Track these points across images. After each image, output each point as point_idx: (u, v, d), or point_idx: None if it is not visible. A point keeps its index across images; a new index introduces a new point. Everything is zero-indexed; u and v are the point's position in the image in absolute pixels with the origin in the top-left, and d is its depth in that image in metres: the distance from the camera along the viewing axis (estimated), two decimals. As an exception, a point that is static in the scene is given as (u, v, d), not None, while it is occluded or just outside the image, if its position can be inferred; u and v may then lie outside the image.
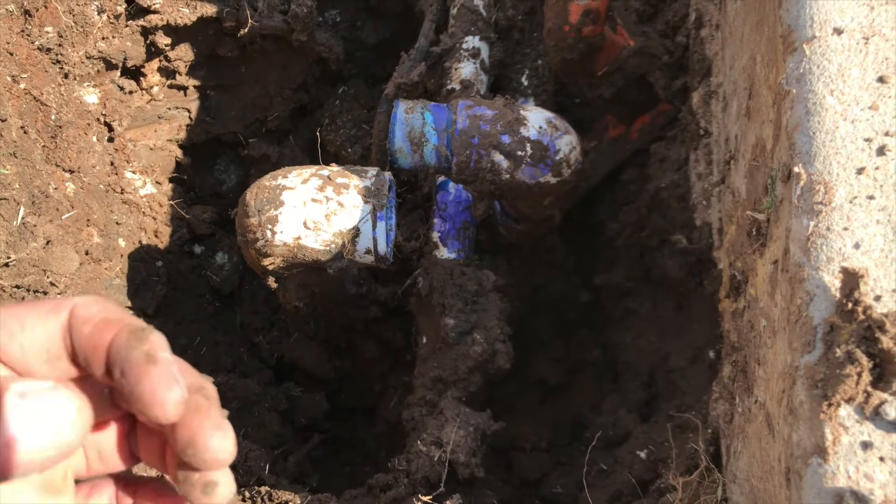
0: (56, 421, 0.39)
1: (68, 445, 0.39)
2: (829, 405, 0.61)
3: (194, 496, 0.42)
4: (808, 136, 0.69)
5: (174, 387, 0.40)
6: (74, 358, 0.42)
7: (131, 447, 0.46)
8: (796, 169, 0.69)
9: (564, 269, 1.80)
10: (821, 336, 0.63)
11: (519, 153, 1.26)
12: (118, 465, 0.47)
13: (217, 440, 0.40)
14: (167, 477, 0.45)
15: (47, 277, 1.21)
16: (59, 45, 1.34)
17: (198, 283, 1.70)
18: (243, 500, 1.18)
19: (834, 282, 0.64)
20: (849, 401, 0.61)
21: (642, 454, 1.35)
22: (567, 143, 1.29)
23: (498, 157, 1.25)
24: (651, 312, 1.64)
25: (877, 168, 0.66)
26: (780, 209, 0.78)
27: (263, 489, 1.19)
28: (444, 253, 1.49)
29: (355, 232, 1.23)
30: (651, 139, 1.61)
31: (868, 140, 0.66)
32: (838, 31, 0.69)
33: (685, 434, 1.25)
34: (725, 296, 1.18)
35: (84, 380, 0.43)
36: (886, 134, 0.66)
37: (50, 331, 0.41)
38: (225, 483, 0.42)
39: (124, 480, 0.47)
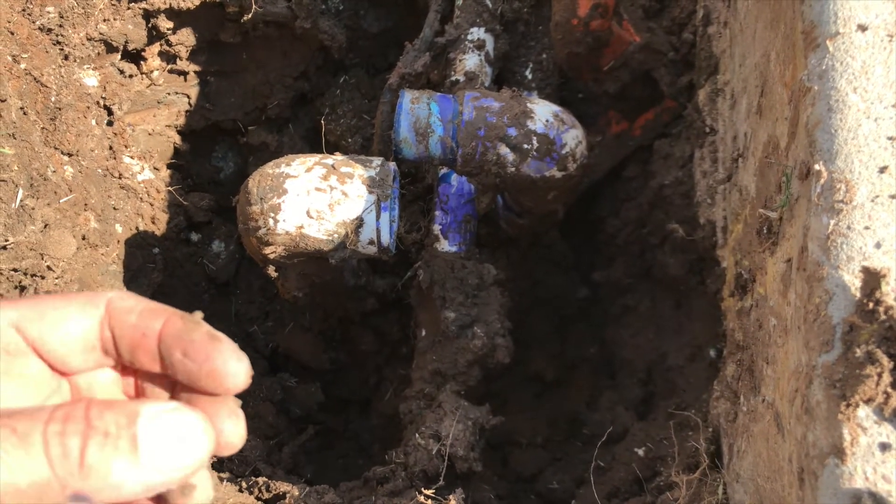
0: (189, 439, 0.40)
1: (202, 462, 0.41)
2: (848, 405, 0.61)
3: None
4: (829, 134, 0.68)
5: (242, 358, 0.43)
6: (107, 348, 0.44)
7: None
8: (817, 167, 0.68)
9: (563, 265, 1.80)
10: (840, 336, 0.63)
11: (525, 146, 1.25)
12: None
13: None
14: None
15: (45, 261, 1.20)
16: (60, 26, 1.32)
17: (194, 271, 1.69)
18: (240, 490, 1.17)
19: (854, 281, 0.63)
20: (868, 401, 0.60)
21: (640, 451, 1.34)
22: (573, 138, 1.29)
23: (504, 150, 1.24)
24: (650, 310, 1.64)
25: (899, 167, 0.65)
26: (796, 207, 0.78)
27: (261, 480, 1.18)
28: (444, 246, 1.48)
29: (359, 222, 1.22)
30: (654, 136, 1.60)
31: (891, 139, 0.65)
32: (862, 28, 0.68)
33: (684, 432, 1.24)
34: (729, 294, 1.18)
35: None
36: (909, 133, 0.65)
37: (88, 322, 0.43)
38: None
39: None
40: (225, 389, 0.43)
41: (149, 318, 0.43)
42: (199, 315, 0.45)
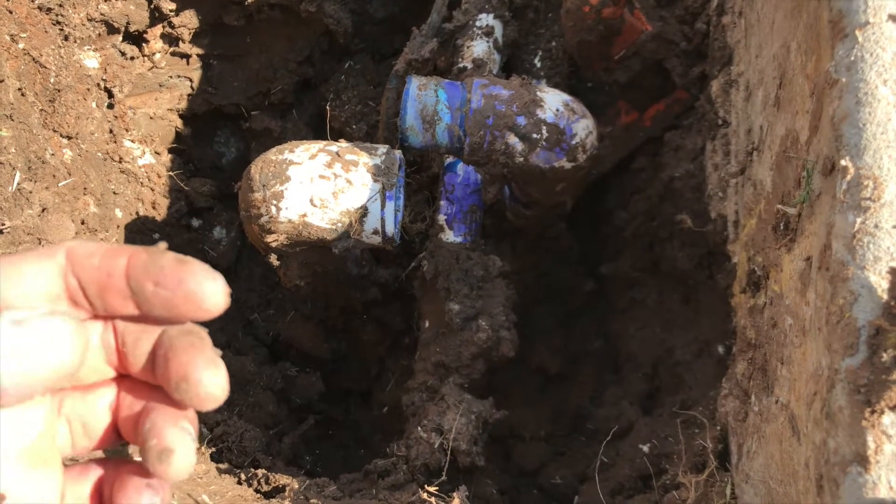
0: (54, 343, 0.39)
1: (69, 365, 0.39)
2: (873, 412, 0.58)
3: (150, 463, 0.41)
4: (857, 128, 0.65)
5: (217, 277, 0.41)
6: (75, 298, 0.42)
7: (116, 419, 0.46)
8: (843, 162, 0.65)
9: (569, 257, 1.77)
10: (865, 339, 0.60)
11: (534, 136, 1.22)
12: (104, 440, 0.46)
13: (209, 375, 0.41)
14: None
15: (42, 246, 1.17)
16: (60, 6, 1.29)
17: (195, 258, 1.66)
18: (239, 482, 1.15)
19: (881, 282, 0.61)
20: (894, 408, 0.58)
21: (645, 448, 1.32)
22: (584, 128, 1.26)
23: (513, 140, 1.21)
24: (657, 304, 1.61)
25: (930, 164, 0.62)
26: (817, 204, 0.75)
27: (260, 472, 1.16)
28: (450, 236, 1.45)
29: (363, 211, 1.19)
30: (664, 127, 1.57)
31: (922, 134, 0.63)
32: (894, 18, 0.66)
33: (690, 430, 1.22)
34: (741, 290, 1.15)
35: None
36: (941, 129, 0.63)
37: (48, 274, 0.42)
38: (181, 453, 0.41)
39: (111, 465, 0.46)
40: (205, 311, 0.41)
41: (112, 257, 0.41)
42: (163, 245, 0.43)
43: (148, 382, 0.45)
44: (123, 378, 0.46)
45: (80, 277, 0.42)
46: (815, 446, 0.67)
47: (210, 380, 0.41)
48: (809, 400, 0.71)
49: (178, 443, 0.41)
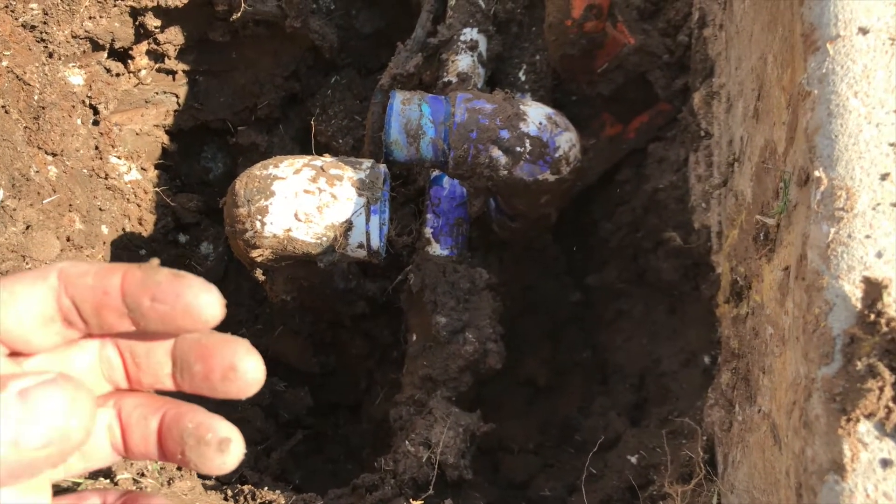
0: (60, 414, 0.39)
1: (73, 438, 0.39)
2: (848, 420, 0.59)
3: (209, 457, 0.43)
4: (829, 140, 0.66)
5: (212, 288, 0.42)
6: (70, 318, 0.43)
7: (113, 438, 0.46)
8: (816, 173, 0.66)
9: (556, 269, 1.78)
10: (840, 348, 0.61)
11: (518, 149, 1.23)
12: (102, 459, 0.46)
13: (252, 362, 0.43)
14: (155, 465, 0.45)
15: (27, 264, 1.17)
16: (45, 23, 1.30)
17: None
18: (225, 499, 1.15)
19: (855, 291, 0.61)
20: (869, 416, 0.58)
21: (633, 459, 1.32)
22: (567, 141, 1.27)
23: (496, 153, 1.22)
24: (643, 315, 1.62)
25: (901, 174, 0.63)
26: (794, 214, 0.76)
27: (246, 488, 1.16)
28: (436, 249, 1.46)
29: (348, 225, 1.19)
30: (648, 139, 1.58)
31: (893, 145, 0.64)
32: (864, 31, 0.67)
33: (677, 440, 1.22)
34: (725, 301, 1.16)
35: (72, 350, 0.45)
36: (912, 139, 0.64)
37: (41, 296, 0.42)
38: (237, 440, 0.44)
39: (110, 494, 0.47)
40: (203, 323, 0.42)
41: (106, 275, 0.42)
42: (155, 261, 0.43)
43: (149, 394, 0.46)
44: (122, 396, 0.47)
45: (73, 297, 0.42)
46: (794, 455, 0.68)
47: (254, 366, 0.43)
48: (789, 409, 0.72)
49: (233, 432, 0.44)
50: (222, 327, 1.31)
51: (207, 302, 0.42)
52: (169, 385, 0.46)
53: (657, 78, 1.50)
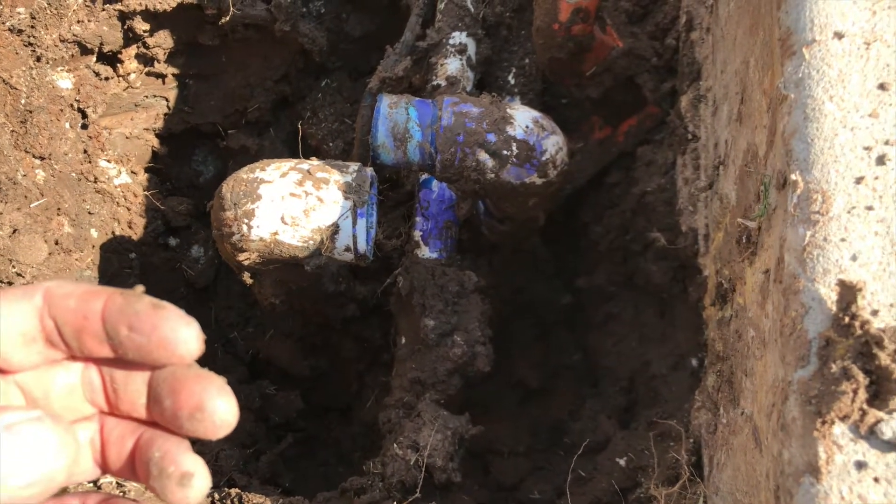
0: (47, 455, 0.39)
1: (57, 478, 0.39)
2: (823, 422, 0.59)
3: (170, 490, 0.42)
4: (805, 143, 0.66)
5: (191, 322, 0.42)
6: (52, 339, 0.42)
7: (96, 454, 0.46)
8: (793, 177, 0.66)
9: (546, 272, 1.78)
10: (816, 350, 0.61)
11: (504, 152, 1.23)
12: (85, 473, 0.46)
13: (223, 403, 0.42)
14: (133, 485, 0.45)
15: (13, 267, 1.17)
16: (32, 27, 1.30)
17: (172, 277, 1.66)
18: (213, 502, 1.15)
19: (830, 294, 0.62)
20: (844, 418, 0.58)
21: (622, 462, 1.33)
22: (554, 144, 1.27)
23: (483, 156, 1.22)
24: (633, 317, 1.62)
25: (876, 178, 0.63)
26: (774, 217, 0.76)
27: (234, 491, 1.16)
28: (425, 252, 1.46)
29: (334, 228, 1.19)
30: (637, 142, 1.59)
31: (867, 148, 0.64)
32: (839, 36, 0.67)
33: (666, 442, 1.23)
34: (711, 303, 1.16)
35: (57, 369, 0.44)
36: (886, 143, 0.64)
37: (25, 314, 0.42)
38: (201, 475, 0.43)
39: (91, 498, 0.46)
40: (179, 358, 0.42)
41: (89, 300, 0.42)
42: (140, 289, 0.43)
43: (133, 418, 0.46)
44: (104, 413, 0.47)
45: (56, 319, 0.42)
46: (773, 457, 0.68)
47: (224, 407, 0.42)
48: (769, 411, 0.72)
49: (197, 466, 0.42)
50: (214, 330, 1.31)
51: (185, 337, 0.41)
52: (144, 416, 0.45)
53: (645, 81, 1.50)
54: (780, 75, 0.72)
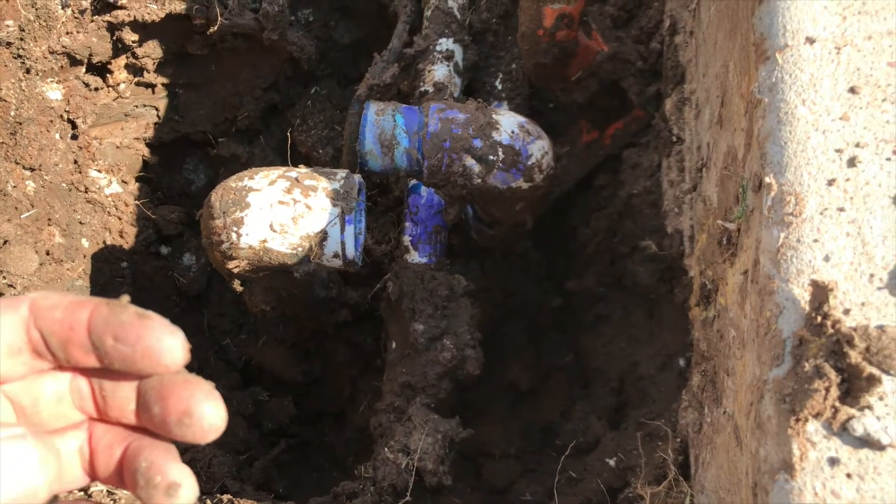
0: (29, 473, 0.39)
1: (39, 494, 0.40)
2: (797, 420, 0.60)
3: (157, 500, 0.42)
4: (779, 146, 0.68)
5: (176, 332, 0.42)
6: (38, 349, 0.43)
7: (84, 462, 0.46)
8: (767, 179, 0.68)
9: (536, 275, 1.79)
10: (790, 349, 0.62)
11: (491, 157, 1.24)
12: (74, 481, 0.46)
13: (211, 408, 0.42)
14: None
15: (4, 279, 1.18)
16: (21, 39, 1.31)
17: (164, 285, 1.67)
18: (205, 508, 1.16)
19: (804, 294, 0.63)
20: (817, 416, 0.60)
21: (611, 462, 1.34)
22: (539, 149, 1.28)
23: (469, 162, 1.24)
24: (622, 319, 1.64)
25: (847, 180, 0.65)
26: (752, 219, 0.78)
27: (226, 497, 1.17)
28: (415, 257, 1.47)
29: (323, 235, 1.21)
30: (623, 145, 1.60)
31: (839, 151, 0.65)
32: (811, 41, 0.68)
33: (654, 442, 1.24)
34: (696, 304, 1.18)
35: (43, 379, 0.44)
36: (857, 145, 0.65)
37: (11, 326, 0.42)
38: (188, 485, 0.43)
39: None
40: (164, 367, 0.42)
41: (75, 310, 0.42)
42: (125, 299, 0.44)
43: (122, 424, 0.46)
44: (93, 420, 0.47)
45: (42, 330, 0.42)
46: (751, 455, 0.69)
47: (213, 412, 0.43)
48: (748, 410, 0.73)
49: (183, 476, 0.43)
50: (207, 337, 1.32)
51: (170, 346, 0.42)
52: (133, 421, 0.46)
53: (631, 85, 1.52)
54: (755, 79, 0.73)
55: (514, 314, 1.79)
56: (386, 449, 1.27)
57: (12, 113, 1.26)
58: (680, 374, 1.35)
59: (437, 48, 1.56)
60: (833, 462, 0.59)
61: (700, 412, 1.07)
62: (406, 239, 1.49)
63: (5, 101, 1.25)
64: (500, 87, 1.63)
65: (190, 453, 1.33)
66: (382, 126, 1.25)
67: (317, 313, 1.58)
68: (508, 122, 1.26)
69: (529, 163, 1.26)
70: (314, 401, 1.77)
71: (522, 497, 1.50)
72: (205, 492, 1.27)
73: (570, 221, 1.74)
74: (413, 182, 1.52)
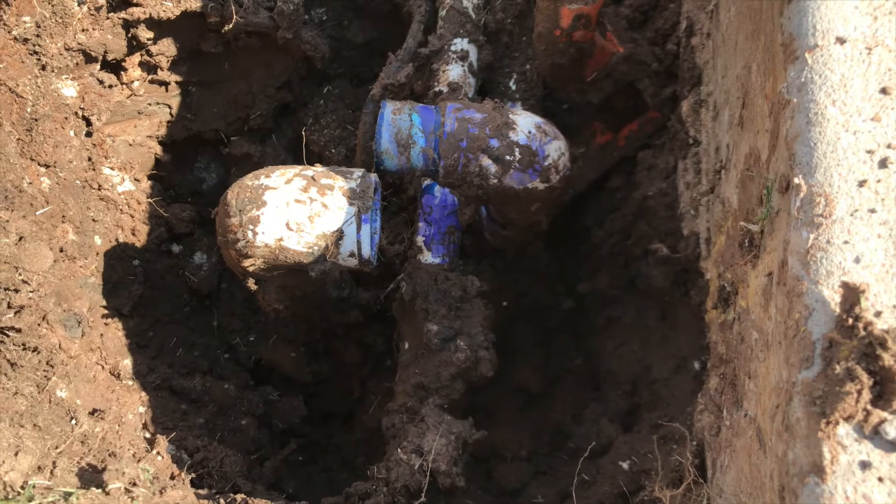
0: None
1: None
2: (828, 423, 0.60)
3: None
4: (808, 147, 0.67)
5: None
6: None
7: None
8: (796, 180, 0.67)
9: (548, 276, 1.79)
10: (820, 352, 0.62)
11: (507, 157, 1.24)
12: None
13: None
14: None
15: (19, 275, 1.18)
16: (38, 36, 1.31)
17: (175, 283, 1.67)
18: (218, 507, 1.15)
19: (834, 296, 0.62)
20: (848, 419, 0.59)
21: (625, 465, 1.33)
22: (556, 149, 1.28)
23: (486, 162, 1.23)
24: (635, 321, 1.63)
25: (878, 181, 0.64)
26: (776, 220, 0.77)
27: (239, 497, 1.16)
28: (428, 257, 1.46)
29: (339, 234, 1.20)
30: (638, 147, 1.60)
31: (870, 152, 0.65)
32: (841, 41, 0.68)
33: (668, 446, 1.23)
34: (713, 307, 1.17)
35: None
36: (889, 146, 0.65)
37: None
38: None
39: None
40: None
41: None
42: None
43: None
44: None
45: None
46: (777, 458, 0.69)
47: None
48: (773, 413, 0.73)
49: None
50: (217, 336, 1.30)
51: None
52: None
53: (646, 86, 1.51)
54: (783, 80, 0.73)
55: (524, 316, 1.78)
56: (399, 450, 1.26)
57: (28, 109, 1.26)
58: (695, 377, 1.35)
59: (452, 48, 1.55)
60: (864, 466, 0.58)
61: (717, 415, 1.06)
62: (419, 239, 1.48)
63: (22, 97, 1.24)
64: (514, 87, 1.63)
65: (202, 452, 1.33)
66: (399, 125, 1.24)
67: (328, 313, 1.58)
68: (525, 123, 1.26)
69: (546, 163, 1.26)
70: (324, 401, 1.77)
71: (534, 499, 1.49)
72: (217, 490, 1.26)
73: (583, 223, 1.73)
74: (426, 182, 1.52)
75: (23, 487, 0.86)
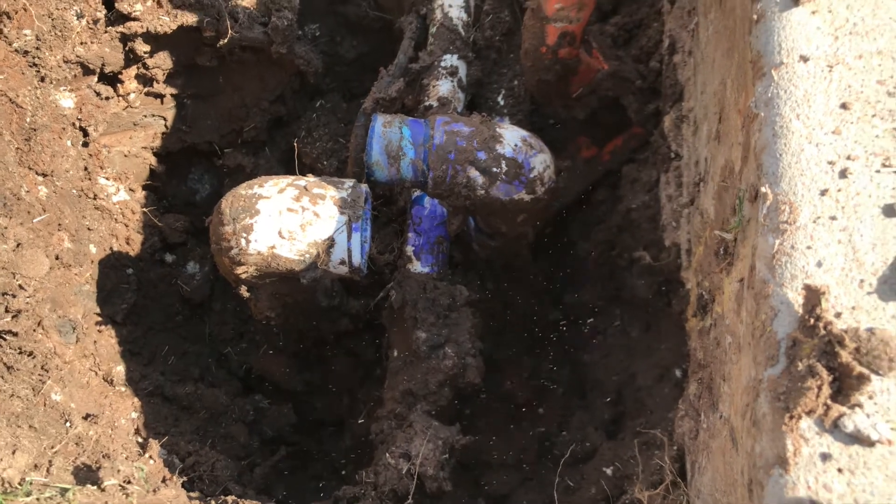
0: None
1: None
2: (791, 417, 0.63)
3: None
4: (774, 158, 0.71)
5: None
6: None
7: None
8: (763, 189, 0.71)
9: (535, 287, 1.82)
10: (784, 350, 0.65)
11: (494, 170, 1.27)
12: None
13: None
14: None
15: (16, 280, 1.20)
16: (37, 48, 1.34)
17: (168, 292, 1.69)
18: (210, 508, 1.17)
19: (797, 298, 0.66)
20: (809, 413, 0.63)
21: (608, 471, 1.36)
22: (541, 162, 1.32)
23: (474, 173, 1.27)
24: (619, 331, 1.66)
25: (839, 190, 0.68)
26: (747, 228, 0.81)
27: (230, 499, 1.18)
28: (417, 267, 1.50)
29: (330, 242, 1.23)
30: (622, 161, 1.64)
31: (831, 163, 0.69)
32: (804, 59, 0.72)
33: (651, 451, 1.26)
34: (693, 315, 1.21)
35: None
36: (848, 157, 0.69)
37: None
38: None
39: None
40: None
41: None
42: None
43: None
44: None
45: None
46: (746, 453, 0.72)
47: None
48: (743, 411, 0.76)
49: None
50: (209, 345, 1.33)
51: None
52: None
53: (630, 102, 1.56)
54: (752, 95, 0.77)
55: (512, 326, 1.81)
56: (387, 454, 1.29)
57: (27, 119, 1.29)
58: (676, 384, 1.38)
59: (442, 64, 1.60)
60: (825, 457, 0.62)
61: (696, 420, 1.09)
62: (409, 249, 1.52)
63: (21, 107, 1.28)
64: (502, 102, 1.67)
65: (194, 457, 1.36)
66: (389, 137, 1.28)
67: (319, 322, 1.61)
68: (511, 136, 1.30)
69: (532, 175, 1.30)
70: (313, 410, 1.79)
71: (520, 505, 1.51)
72: (208, 494, 1.28)
73: (570, 236, 1.77)
74: (416, 193, 1.56)
75: (20, 484, 0.88)
